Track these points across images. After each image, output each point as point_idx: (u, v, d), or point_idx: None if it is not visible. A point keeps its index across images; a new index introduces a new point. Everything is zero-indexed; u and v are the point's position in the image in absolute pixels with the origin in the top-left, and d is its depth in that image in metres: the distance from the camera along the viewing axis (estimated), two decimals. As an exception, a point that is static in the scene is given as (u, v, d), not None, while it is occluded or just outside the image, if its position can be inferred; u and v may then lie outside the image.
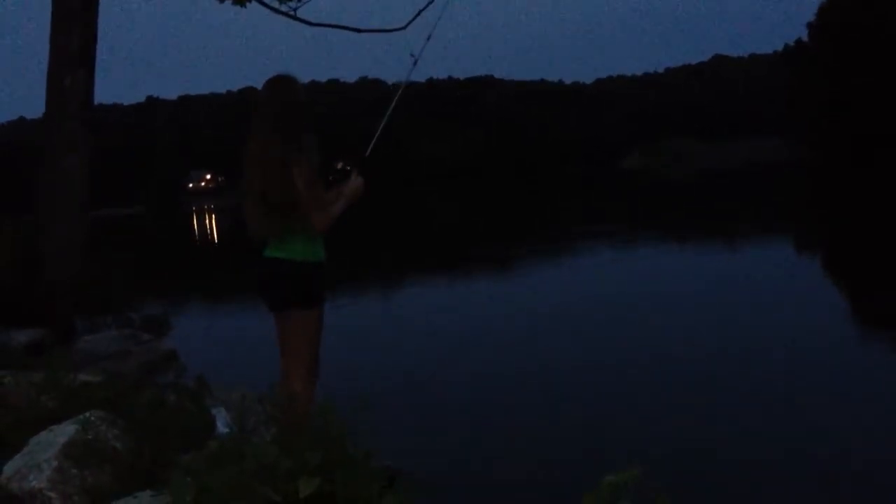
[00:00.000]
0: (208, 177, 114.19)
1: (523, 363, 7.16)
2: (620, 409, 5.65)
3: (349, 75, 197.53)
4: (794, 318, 8.04)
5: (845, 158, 42.24)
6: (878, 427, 4.92)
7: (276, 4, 10.43)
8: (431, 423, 5.66)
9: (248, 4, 10.35)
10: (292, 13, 10.53)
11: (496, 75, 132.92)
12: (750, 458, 4.56)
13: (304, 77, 3.88)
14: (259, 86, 3.90)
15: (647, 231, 19.34)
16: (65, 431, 3.61)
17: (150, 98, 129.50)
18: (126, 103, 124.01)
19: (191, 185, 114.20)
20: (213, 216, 60.20)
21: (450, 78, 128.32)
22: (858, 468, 4.38)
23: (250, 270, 4.04)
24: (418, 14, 10.11)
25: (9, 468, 3.55)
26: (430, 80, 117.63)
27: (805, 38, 54.41)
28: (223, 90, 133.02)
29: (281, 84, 3.77)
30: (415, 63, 4.34)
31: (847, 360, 6.48)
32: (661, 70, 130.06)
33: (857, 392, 5.64)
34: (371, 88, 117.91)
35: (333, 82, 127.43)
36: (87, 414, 3.74)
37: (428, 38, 4.46)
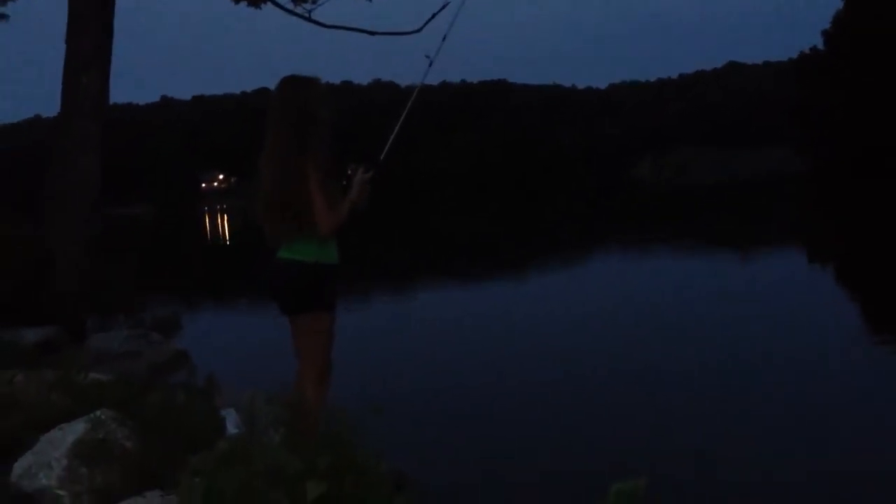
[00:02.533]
0: (221, 177, 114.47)
1: (542, 366, 7.16)
2: (635, 418, 5.62)
3: (362, 78, 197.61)
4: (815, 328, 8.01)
5: (858, 166, 41.85)
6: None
7: (290, 6, 10.47)
8: (442, 430, 5.65)
9: (263, 6, 10.39)
10: (307, 15, 10.56)
11: (510, 79, 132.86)
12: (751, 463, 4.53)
13: (318, 79, 3.84)
14: (272, 87, 3.86)
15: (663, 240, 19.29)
16: (75, 430, 3.61)
17: (164, 98, 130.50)
18: (140, 103, 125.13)
19: (203, 184, 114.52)
20: (226, 216, 60.30)
21: (463, 82, 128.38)
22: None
23: (261, 272, 3.98)
24: (433, 17, 10.09)
25: (19, 466, 3.56)
26: (444, 84, 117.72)
27: (820, 45, 53.92)
28: (237, 90, 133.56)
29: (297, 82, 3.70)
30: (430, 64, 4.25)
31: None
32: (674, 76, 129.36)
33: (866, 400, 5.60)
34: (384, 91, 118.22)
35: (347, 84, 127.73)
36: (98, 413, 3.74)
37: (444, 39, 4.37)
